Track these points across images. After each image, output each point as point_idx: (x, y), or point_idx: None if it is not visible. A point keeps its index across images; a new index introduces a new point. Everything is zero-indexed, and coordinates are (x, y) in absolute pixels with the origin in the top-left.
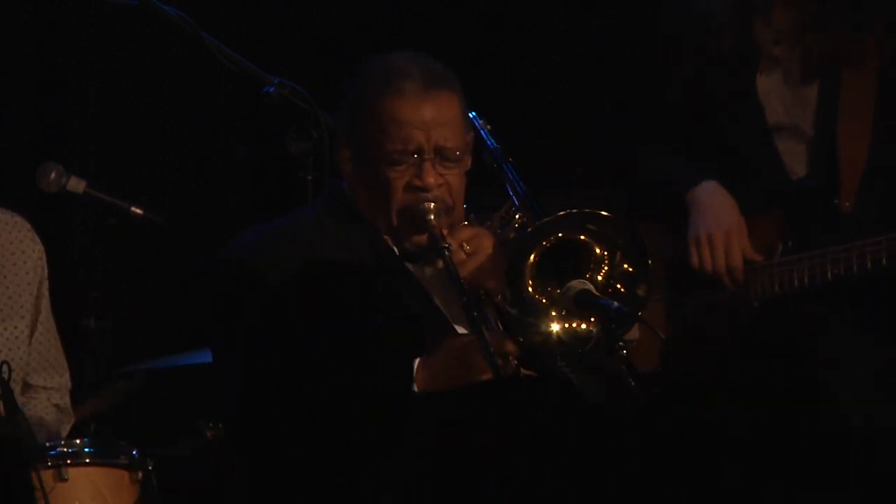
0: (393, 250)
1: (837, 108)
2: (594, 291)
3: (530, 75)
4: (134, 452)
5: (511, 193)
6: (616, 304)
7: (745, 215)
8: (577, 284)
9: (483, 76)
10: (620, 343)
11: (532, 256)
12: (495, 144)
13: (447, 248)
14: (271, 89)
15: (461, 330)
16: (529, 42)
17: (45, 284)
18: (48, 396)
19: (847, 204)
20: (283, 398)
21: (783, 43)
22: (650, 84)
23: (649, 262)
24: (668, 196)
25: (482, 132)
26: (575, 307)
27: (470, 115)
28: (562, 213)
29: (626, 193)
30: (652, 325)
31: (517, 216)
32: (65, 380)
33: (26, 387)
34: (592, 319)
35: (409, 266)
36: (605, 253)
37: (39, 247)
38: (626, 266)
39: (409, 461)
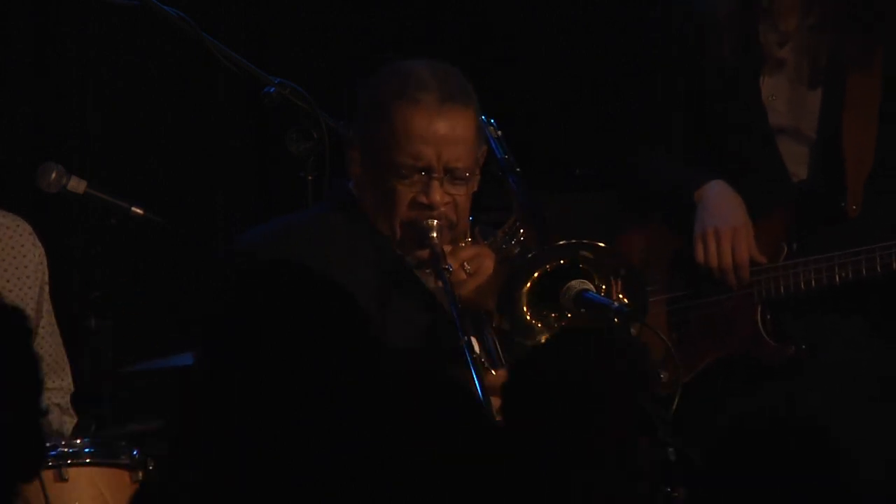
0: (398, 253)
1: (841, 112)
2: (594, 291)
3: (529, 75)
4: (134, 452)
5: (515, 207)
6: (616, 304)
7: (751, 217)
8: (576, 284)
9: (482, 76)
10: None
11: (529, 281)
12: (504, 155)
13: (447, 269)
14: (271, 89)
15: None
16: (529, 42)
17: (46, 288)
18: (49, 396)
19: (854, 207)
20: (275, 394)
21: (789, 45)
22: (650, 85)
23: (646, 296)
24: (666, 198)
25: (492, 141)
26: (574, 307)
27: (481, 118)
28: (562, 242)
29: (624, 195)
30: (653, 328)
31: (521, 231)
32: (66, 382)
33: None
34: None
35: (415, 270)
36: (603, 285)
37: (40, 250)
38: (622, 298)
39: (402, 465)
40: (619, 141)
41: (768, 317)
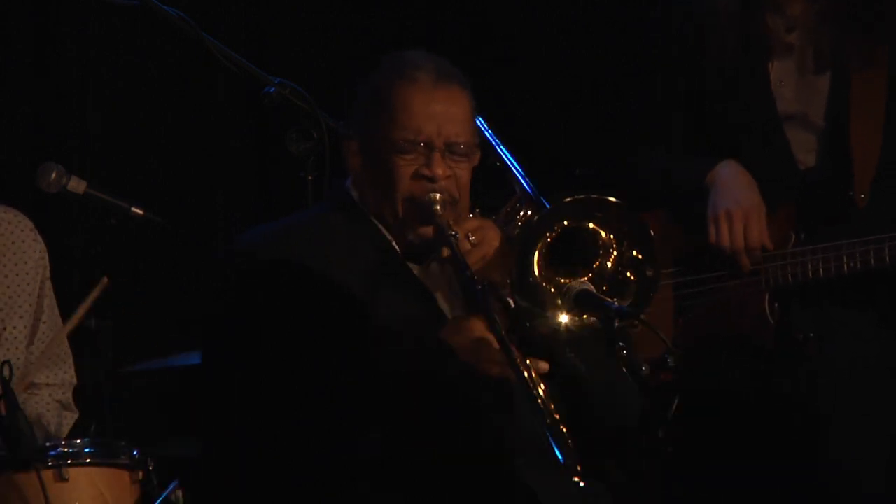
0: (397, 250)
1: (849, 99)
2: (594, 291)
3: (529, 75)
4: (134, 452)
5: (517, 188)
6: (616, 304)
7: None
8: (576, 285)
9: (482, 76)
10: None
11: (539, 245)
12: (499, 142)
13: (454, 235)
14: (271, 89)
15: None
16: (529, 42)
17: (48, 284)
18: (50, 392)
19: (862, 196)
20: (275, 393)
21: (797, 30)
22: (650, 85)
23: (654, 244)
24: (673, 191)
25: (487, 132)
26: (575, 307)
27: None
28: (567, 199)
29: (624, 196)
30: (653, 326)
31: (522, 211)
32: (68, 376)
33: (28, 384)
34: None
35: (413, 267)
36: (612, 238)
37: (41, 245)
38: (633, 251)
39: (402, 462)
40: (619, 141)
41: (776, 305)
